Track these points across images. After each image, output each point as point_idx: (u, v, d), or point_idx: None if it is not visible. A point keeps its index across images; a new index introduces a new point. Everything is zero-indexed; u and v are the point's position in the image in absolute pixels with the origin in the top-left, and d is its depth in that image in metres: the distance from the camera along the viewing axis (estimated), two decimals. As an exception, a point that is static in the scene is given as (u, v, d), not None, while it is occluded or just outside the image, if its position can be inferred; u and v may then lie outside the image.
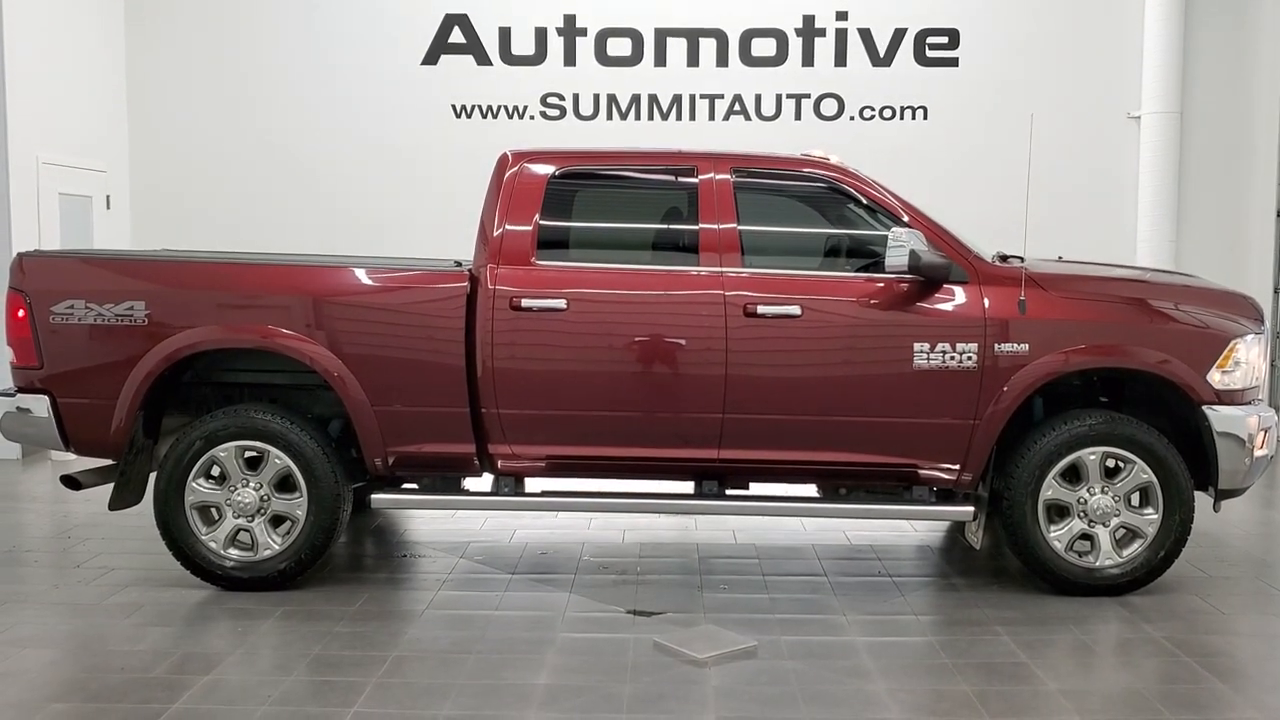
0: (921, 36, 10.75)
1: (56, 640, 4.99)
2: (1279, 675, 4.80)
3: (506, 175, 5.66)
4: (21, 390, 5.63)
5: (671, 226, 5.84)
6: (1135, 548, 5.56)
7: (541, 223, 5.58)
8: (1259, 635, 5.21)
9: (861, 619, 5.29)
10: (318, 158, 10.79)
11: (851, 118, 10.77)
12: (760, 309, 5.42)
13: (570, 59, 10.82)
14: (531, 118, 10.82)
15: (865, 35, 10.75)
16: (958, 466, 5.53)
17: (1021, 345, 5.41)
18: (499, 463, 5.62)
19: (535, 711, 4.18)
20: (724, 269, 5.49)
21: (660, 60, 10.79)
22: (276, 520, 5.59)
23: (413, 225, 10.49)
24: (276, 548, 5.56)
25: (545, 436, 5.57)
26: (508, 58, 10.83)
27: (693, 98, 10.80)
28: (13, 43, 9.06)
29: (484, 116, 10.82)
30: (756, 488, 5.90)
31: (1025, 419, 5.66)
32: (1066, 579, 5.56)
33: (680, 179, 5.76)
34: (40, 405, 5.57)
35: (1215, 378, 5.50)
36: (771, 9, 10.78)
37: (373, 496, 5.72)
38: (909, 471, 5.57)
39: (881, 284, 5.48)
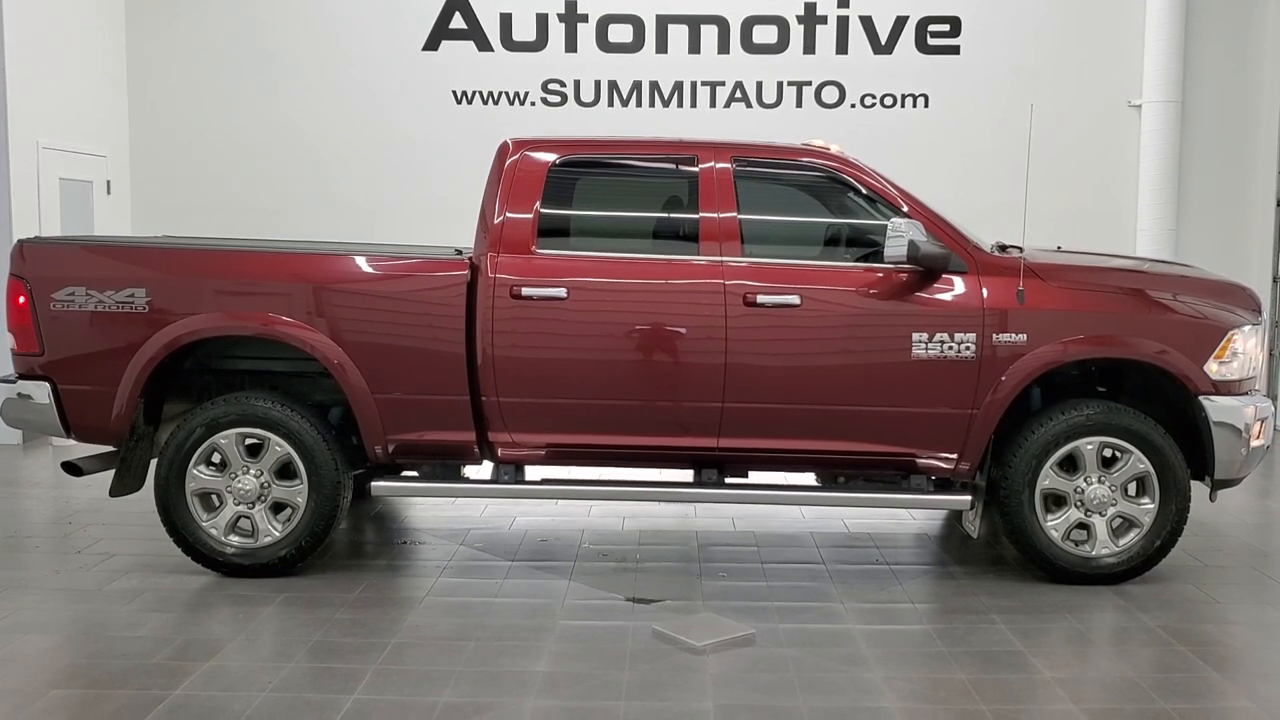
0: (923, 24, 10.71)
1: (57, 626, 5.01)
2: (1272, 664, 4.83)
3: (507, 163, 5.67)
4: (22, 377, 5.65)
5: (672, 215, 5.85)
6: (1131, 537, 5.59)
7: (542, 211, 5.59)
8: (1253, 624, 5.23)
9: (859, 607, 5.32)
10: (318, 144, 10.77)
11: (853, 105, 10.74)
12: (760, 298, 5.44)
13: (571, 45, 10.78)
14: (533, 104, 10.79)
15: (867, 23, 10.71)
16: (956, 455, 5.55)
17: (1020, 335, 5.43)
18: (499, 450, 5.64)
19: (534, 698, 4.21)
20: (724, 258, 5.50)
21: (661, 47, 10.76)
22: (277, 507, 5.62)
23: (413, 212, 10.47)
24: (277, 534, 5.59)
25: (545, 425, 5.58)
26: (509, 44, 10.79)
27: (694, 85, 10.76)
28: (13, 27, 9.03)
29: (485, 103, 10.79)
30: (755, 476, 5.94)
31: (1023, 408, 5.69)
32: (1063, 568, 5.59)
33: (681, 168, 5.77)
34: (41, 391, 5.58)
35: (1212, 368, 5.52)
36: (773, -5, 10.76)
37: (373, 484, 5.74)
38: (907, 460, 5.59)
39: (881, 274, 5.50)
